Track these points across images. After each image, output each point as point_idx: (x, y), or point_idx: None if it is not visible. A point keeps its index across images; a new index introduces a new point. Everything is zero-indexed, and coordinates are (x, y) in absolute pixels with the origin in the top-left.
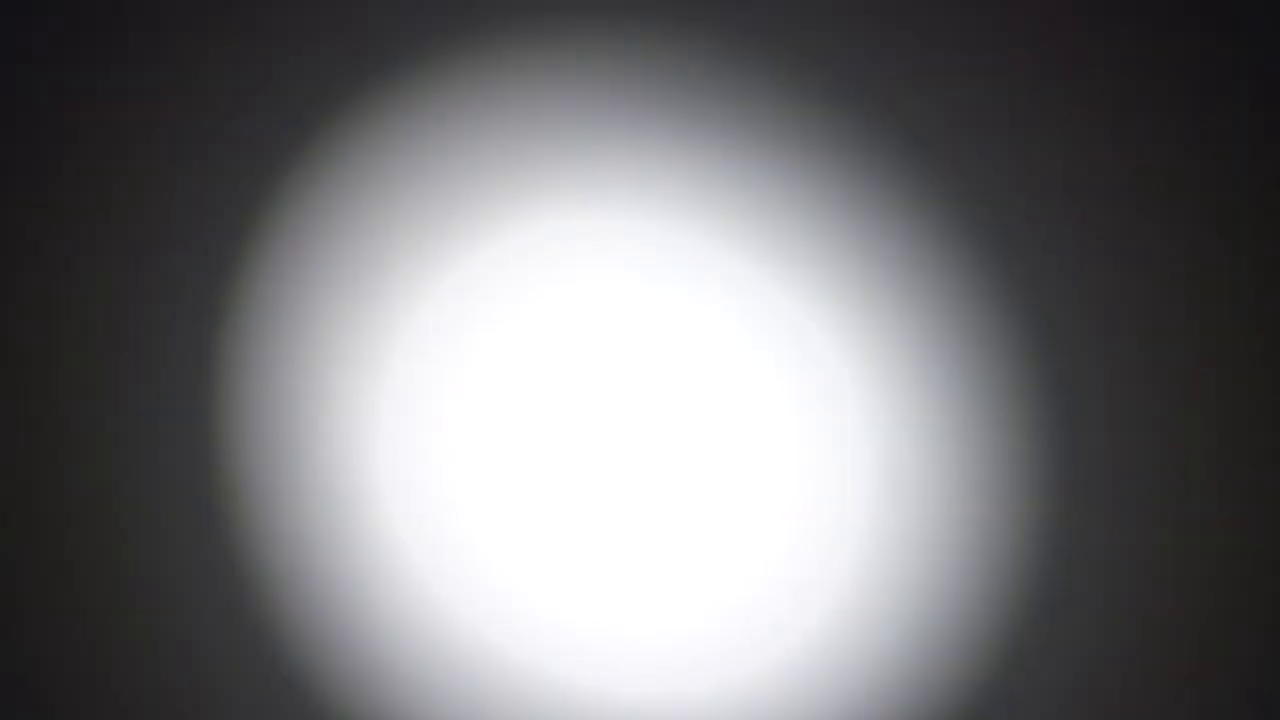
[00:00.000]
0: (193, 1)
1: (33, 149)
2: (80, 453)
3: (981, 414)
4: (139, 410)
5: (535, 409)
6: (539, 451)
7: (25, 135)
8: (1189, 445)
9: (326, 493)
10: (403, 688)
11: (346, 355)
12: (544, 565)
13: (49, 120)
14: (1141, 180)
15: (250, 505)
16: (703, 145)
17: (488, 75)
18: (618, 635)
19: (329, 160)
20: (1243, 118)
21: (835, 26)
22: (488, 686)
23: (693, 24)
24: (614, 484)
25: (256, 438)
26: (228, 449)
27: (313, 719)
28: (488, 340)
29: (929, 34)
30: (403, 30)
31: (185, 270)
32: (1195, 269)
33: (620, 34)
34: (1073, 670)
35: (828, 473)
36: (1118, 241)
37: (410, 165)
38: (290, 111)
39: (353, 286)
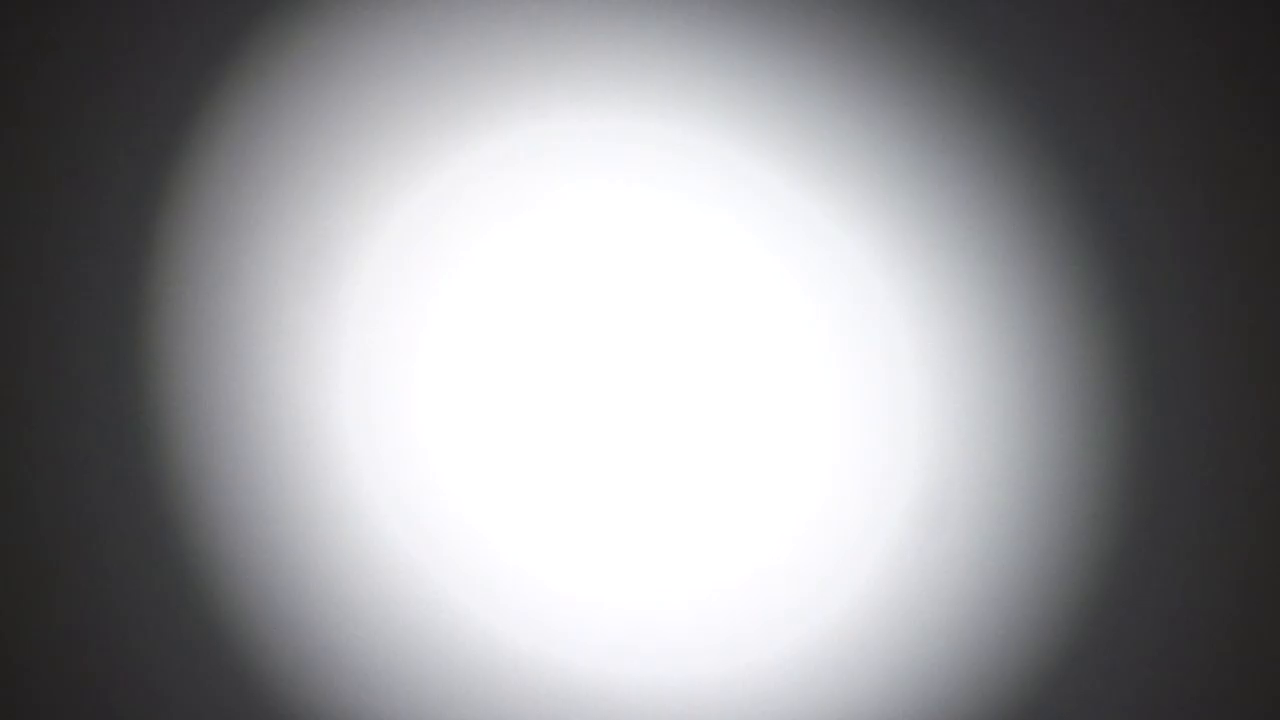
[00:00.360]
0: None
1: None
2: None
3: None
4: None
5: (529, 340)
6: (533, 394)
7: None
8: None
9: (286, 447)
10: (380, 669)
11: (312, 270)
12: (539, 535)
13: None
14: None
15: (201, 470)
16: (721, 34)
17: None
18: (623, 613)
19: (299, 48)
20: None
21: None
22: (480, 667)
23: None
24: (618, 432)
25: (204, 376)
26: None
27: (275, 699)
28: (476, 261)
29: None
30: None
31: (128, 158)
32: None
33: None
34: (1137, 666)
35: (868, 419)
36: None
37: (392, 58)
38: (246, 15)
39: (325, 195)
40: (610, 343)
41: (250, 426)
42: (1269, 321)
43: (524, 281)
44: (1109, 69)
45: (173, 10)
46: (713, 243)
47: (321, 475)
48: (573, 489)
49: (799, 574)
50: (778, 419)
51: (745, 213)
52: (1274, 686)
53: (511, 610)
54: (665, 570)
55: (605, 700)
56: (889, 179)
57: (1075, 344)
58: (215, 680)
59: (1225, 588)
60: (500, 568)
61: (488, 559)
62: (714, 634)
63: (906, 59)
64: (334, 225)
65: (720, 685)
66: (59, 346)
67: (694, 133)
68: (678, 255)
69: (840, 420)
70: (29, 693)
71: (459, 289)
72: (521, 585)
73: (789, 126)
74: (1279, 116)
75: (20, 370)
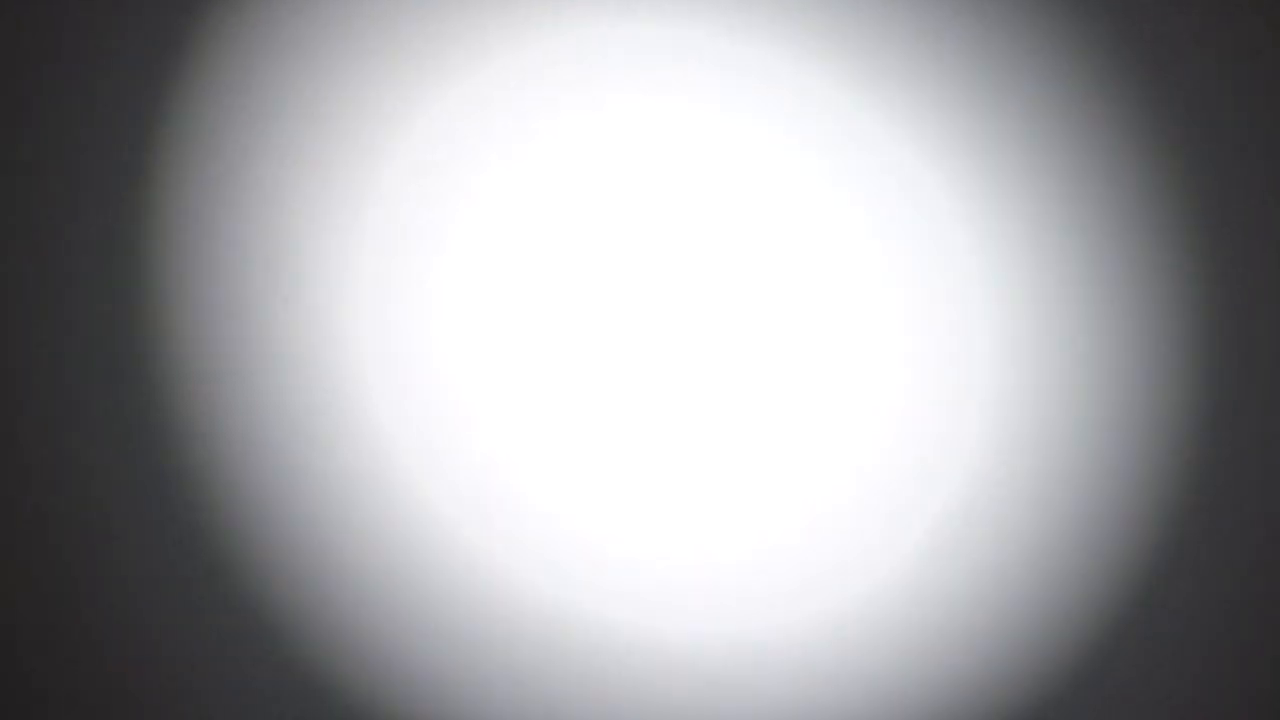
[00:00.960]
0: None
1: None
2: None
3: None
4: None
5: (560, 271)
6: (557, 321)
7: None
8: None
9: (305, 380)
10: (409, 631)
11: (327, 180)
12: (570, 487)
13: None
14: None
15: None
16: None
17: None
18: (661, 568)
19: None
20: None
21: None
22: (509, 623)
23: None
24: (651, 372)
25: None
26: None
27: (290, 643)
28: (499, 181)
29: None
30: None
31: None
32: None
33: None
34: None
35: (928, 361)
36: None
37: None
38: None
39: (337, 112)
40: (645, 273)
41: (264, 385)
42: None
43: (550, 203)
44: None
45: None
46: (753, 164)
47: (340, 427)
48: (602, 440)
49: (837, 539)
50: (821, 372)
51: (809, 143)
52: None
53: (540, 563)
54: (700, 527)
55: (637, 655)
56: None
57: (1155, 342)
58: (237, 651)
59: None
60: (531, 522)
61: (519, 514)
62: (750, 591)
63: None
64: (348, 143)
65: (754, 644)
66: (58, 315)
67: (734, 41)
68: (712, 173)
69: (894, 379)
70: (42, 681)
71: (482, 209)
72: (550, 539)
73: (849, 40)
74: None
75: (17, 341)
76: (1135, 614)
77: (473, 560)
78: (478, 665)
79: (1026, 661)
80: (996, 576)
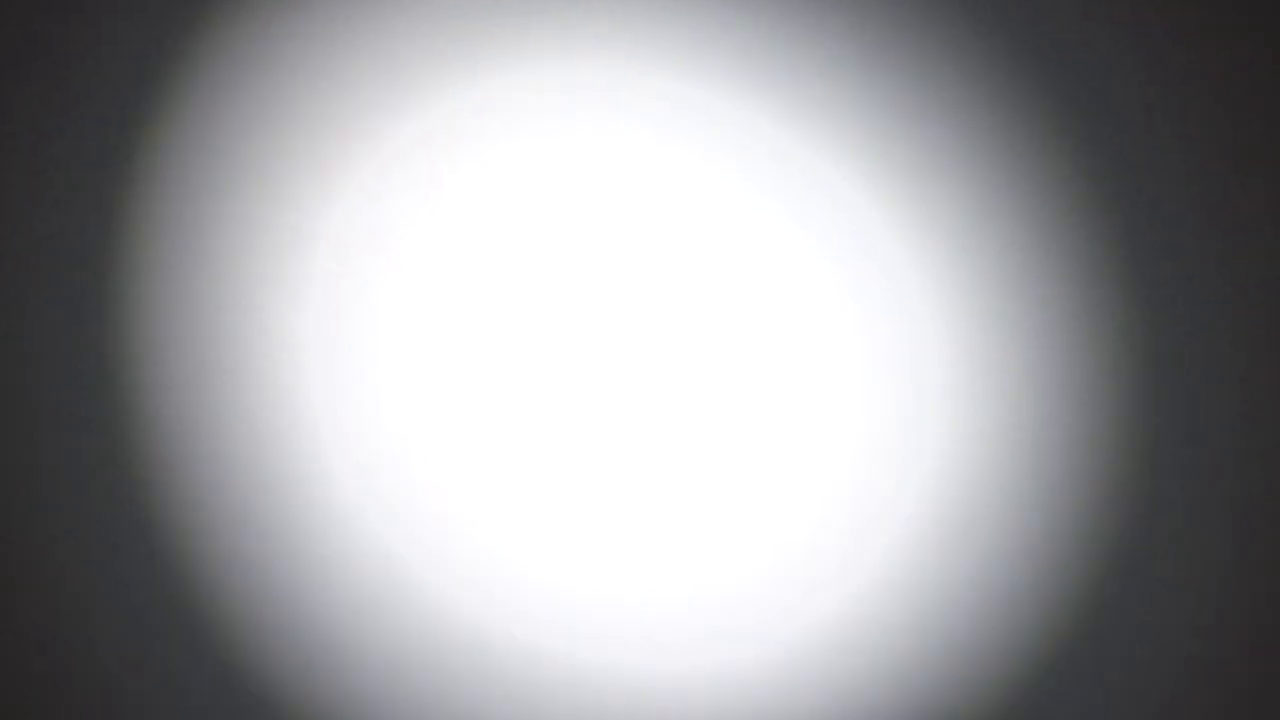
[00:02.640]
0: None
1: None
2: None
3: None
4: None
5: (519, 313)
6: (526, 378)
7: None
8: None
9: (253, 415)
10: (370, 666)
11: (280, 217)
12: (533, 526)
13: None
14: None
15: (169, 444)
16: None
17: None
18: (622, 605)
19: (251, 16)
20: None
21: None
22: (476, 663)
23: None
24: (617, 413)
25: (169, 330)
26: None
27: (245, 683)
28: (459, 217)
29: None
30: None
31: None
32: None
33: None
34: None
35: (885, 396)
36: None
37: (343, 11)
38: None
39: (298, 137)
40: (609, 315)
41: (221, 414)
42: None
43: (513, 244)
44: (1157, 62)
45: None
46: (718, 205)
47: (296, 466)
48: (570, 475)
49: (806, 568)
50: (788, 400)
51: (757, 175)
52: None
53: (502, 602)
54: (668, 563)
55: (615, 697)
56: (915, 156)
57: (1101, 345)
58: (196, 678)
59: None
60: (490, 560)
61: (476, 552)
62: (720, 627)
63: (938, 28)
64: (302, 182)
65: (724, 679)
66: (27, 339)
67: (698, 85)
68: (680, 217)
69: (859, 405)
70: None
71: (440, 249)
72: (514, 578)
73: (803, 84)
74: None
75: None
76: (1107, 620)
77: (443, 607)
78: (450, 711)
79: (1000, 679)
80: (963, 607)
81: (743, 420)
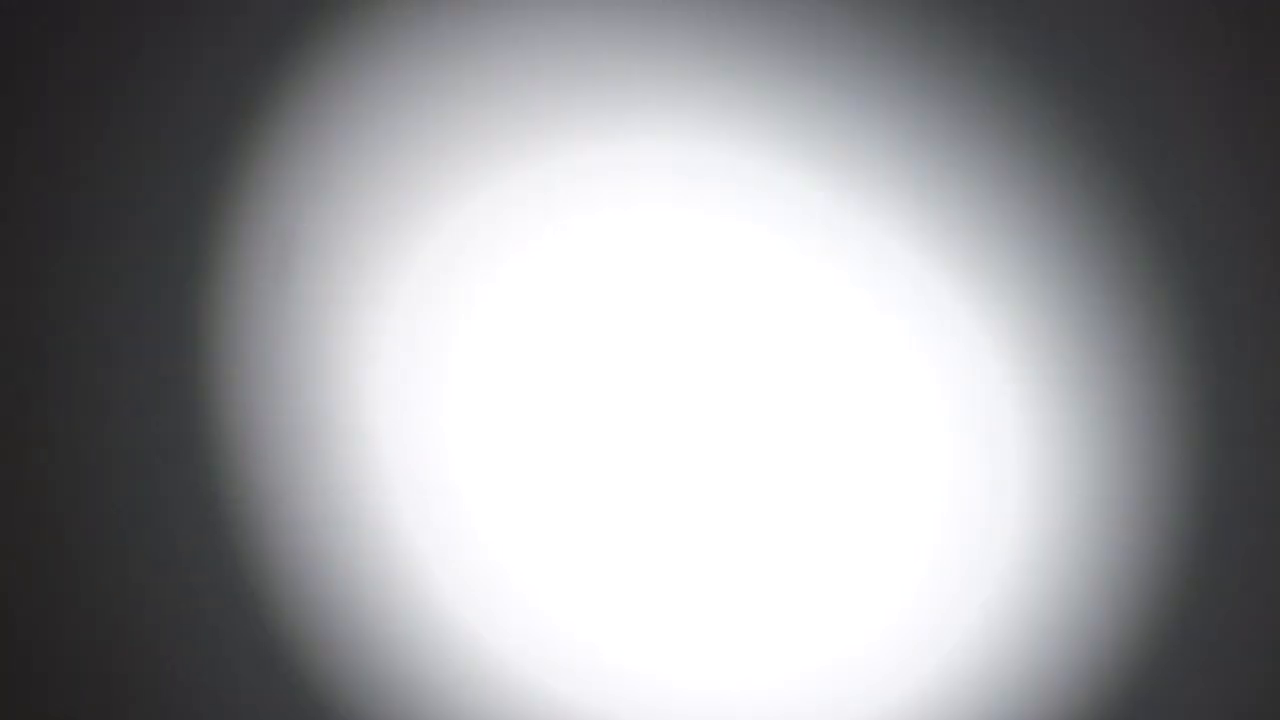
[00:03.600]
0: None
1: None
2: (70, 418)
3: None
4: (125, 379)
5: (564, 373)
6: (590, 427)
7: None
8: None
9: (326, 465)
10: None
11: (347, 302)
12: (568, 568)
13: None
14: None
15: (244, 484)
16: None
17: None
18: (668, 671)
19: (326, 87)
20: None
21: None
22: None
23: None
24: (681, 476)
25: (250, 404)
26: (217, 418)
27: (307, 703)
28: (515, 287)
29: None
30: None
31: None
32: None
33: None
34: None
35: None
36: None
37: (414, 90)
38: (286, 34)
39: (356, 224)
40: (680, 382)
41: (291, 449)
42: None
43: (565, 313)
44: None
45: (216, 28)
46: (772, 272)
47: (360, 500)
48: (645, 545)
49: (881, 650)
50: (862, 476)
51: (804, 239)
52: None
53: (580, 679)
54: (717, 636)
55: None
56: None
57: (1167, 384)
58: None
59: None
60: (564, 628)
61: (545, 616)
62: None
63: (967, 80)
64: (379, 244)
65: None
66: (113, 367)
67: (741, 156)
68: (726, 288)
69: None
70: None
71: (496, 314)
72: (559, 643)
73: (847, 148)
74: None
75: (70, 380)
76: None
77: (505, 661)
78: None
79: None
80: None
81: (812, 493)
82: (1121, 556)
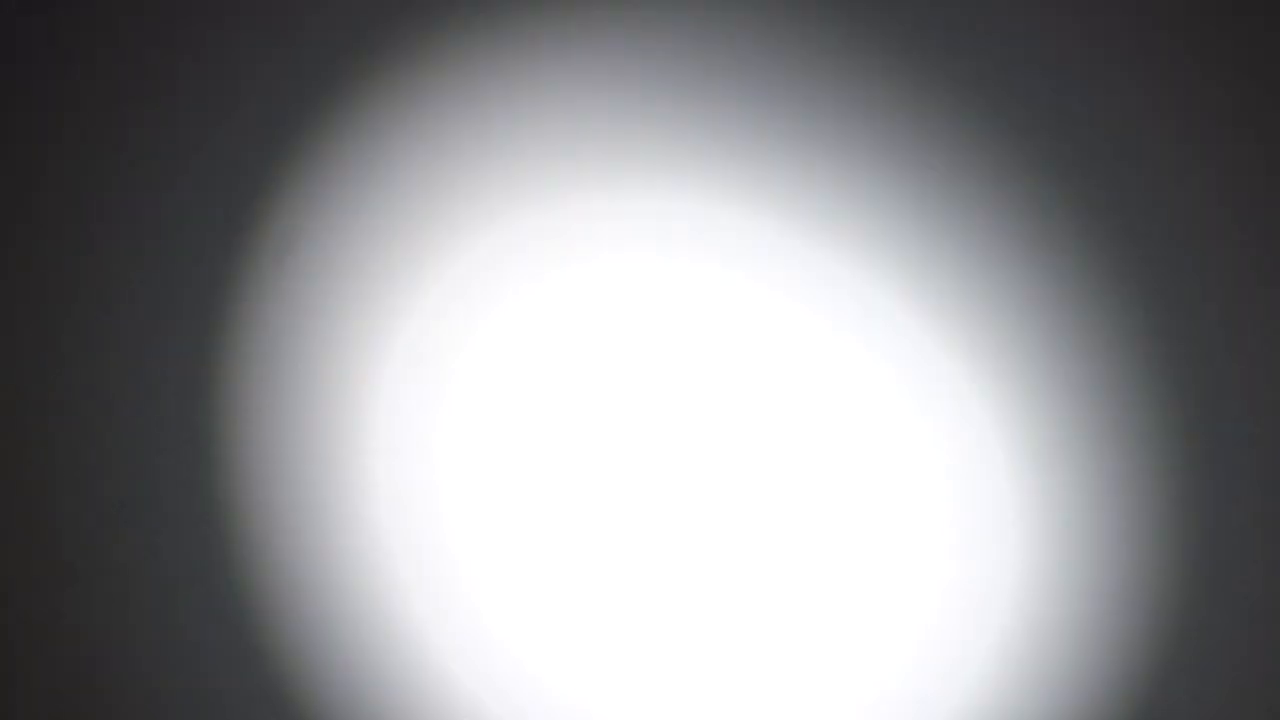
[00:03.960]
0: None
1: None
2: (77, 449)
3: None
4: (135, 411)
5: (559, 422)
6: (592, 484)
7: (19, 134)
8: None
9: (323, 500)
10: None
11: (346, 352)
12: (565, 596)
13: (41, 118)
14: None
15: (246, 511)
16: (745, 115)
17: (491, 47)
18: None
19: (327, 149)
20: None
21: None
22: None
23: None
24: (687, 539)
25: (254, 442)
26: (225, 452)
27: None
28: (513, 336)
29: None
30: (399, 3)
31: (183, 267)
32: None
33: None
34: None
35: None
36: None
37: (409, 149)
38: (286, 99)
39: (353, 280)
40: (684, 439)
41: (295, 459)
42: None
43: (585, 365)
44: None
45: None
46: (769, 323)
47: (352, 552)
48: (653, 615)
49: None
50: (863, 539)
51: (808, 298)
52: None
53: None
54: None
55: None
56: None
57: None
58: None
59: None
60: (531, 622)
61: (548, 686)
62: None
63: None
64: (379, 292)
65: None
66: (113, 368)
67: (737, 213)
68: (720, 348)
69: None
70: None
71: (509, 366)
72: (526, 663)
73: (837, 207)
74: None
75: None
76: None
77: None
78: None
79: None
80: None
81: (804, 544)
82: (1122, 600)
